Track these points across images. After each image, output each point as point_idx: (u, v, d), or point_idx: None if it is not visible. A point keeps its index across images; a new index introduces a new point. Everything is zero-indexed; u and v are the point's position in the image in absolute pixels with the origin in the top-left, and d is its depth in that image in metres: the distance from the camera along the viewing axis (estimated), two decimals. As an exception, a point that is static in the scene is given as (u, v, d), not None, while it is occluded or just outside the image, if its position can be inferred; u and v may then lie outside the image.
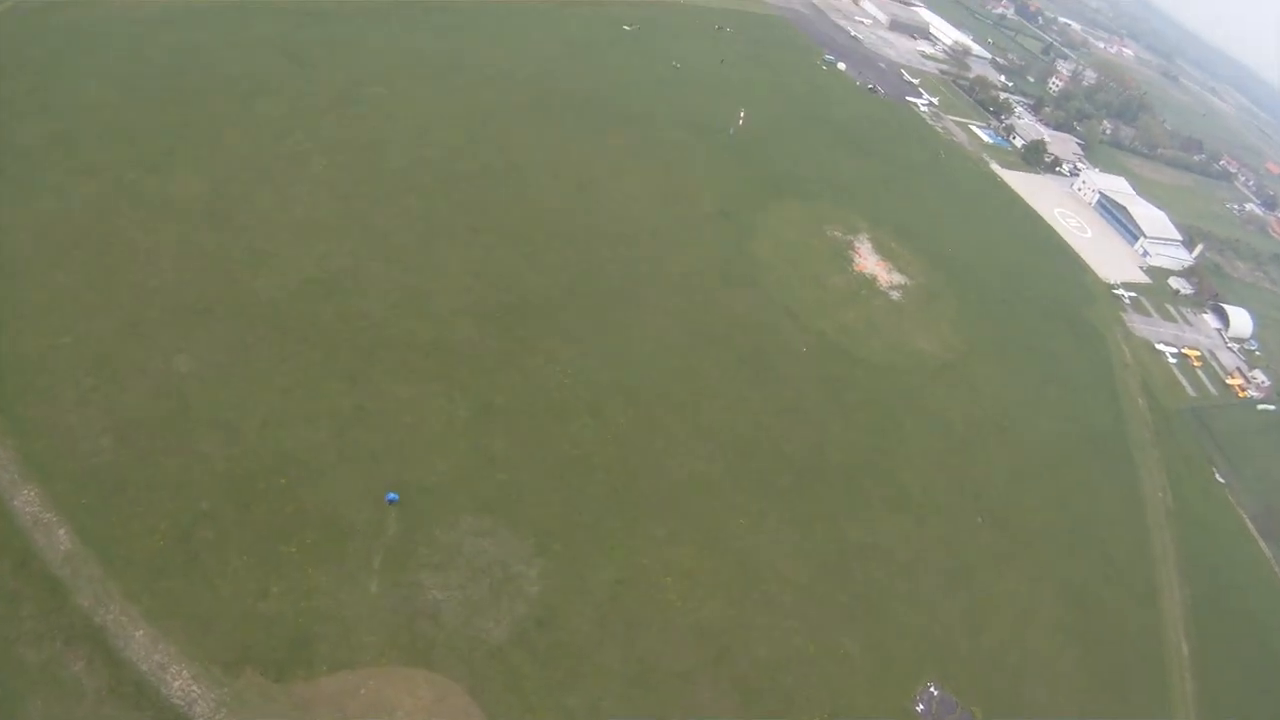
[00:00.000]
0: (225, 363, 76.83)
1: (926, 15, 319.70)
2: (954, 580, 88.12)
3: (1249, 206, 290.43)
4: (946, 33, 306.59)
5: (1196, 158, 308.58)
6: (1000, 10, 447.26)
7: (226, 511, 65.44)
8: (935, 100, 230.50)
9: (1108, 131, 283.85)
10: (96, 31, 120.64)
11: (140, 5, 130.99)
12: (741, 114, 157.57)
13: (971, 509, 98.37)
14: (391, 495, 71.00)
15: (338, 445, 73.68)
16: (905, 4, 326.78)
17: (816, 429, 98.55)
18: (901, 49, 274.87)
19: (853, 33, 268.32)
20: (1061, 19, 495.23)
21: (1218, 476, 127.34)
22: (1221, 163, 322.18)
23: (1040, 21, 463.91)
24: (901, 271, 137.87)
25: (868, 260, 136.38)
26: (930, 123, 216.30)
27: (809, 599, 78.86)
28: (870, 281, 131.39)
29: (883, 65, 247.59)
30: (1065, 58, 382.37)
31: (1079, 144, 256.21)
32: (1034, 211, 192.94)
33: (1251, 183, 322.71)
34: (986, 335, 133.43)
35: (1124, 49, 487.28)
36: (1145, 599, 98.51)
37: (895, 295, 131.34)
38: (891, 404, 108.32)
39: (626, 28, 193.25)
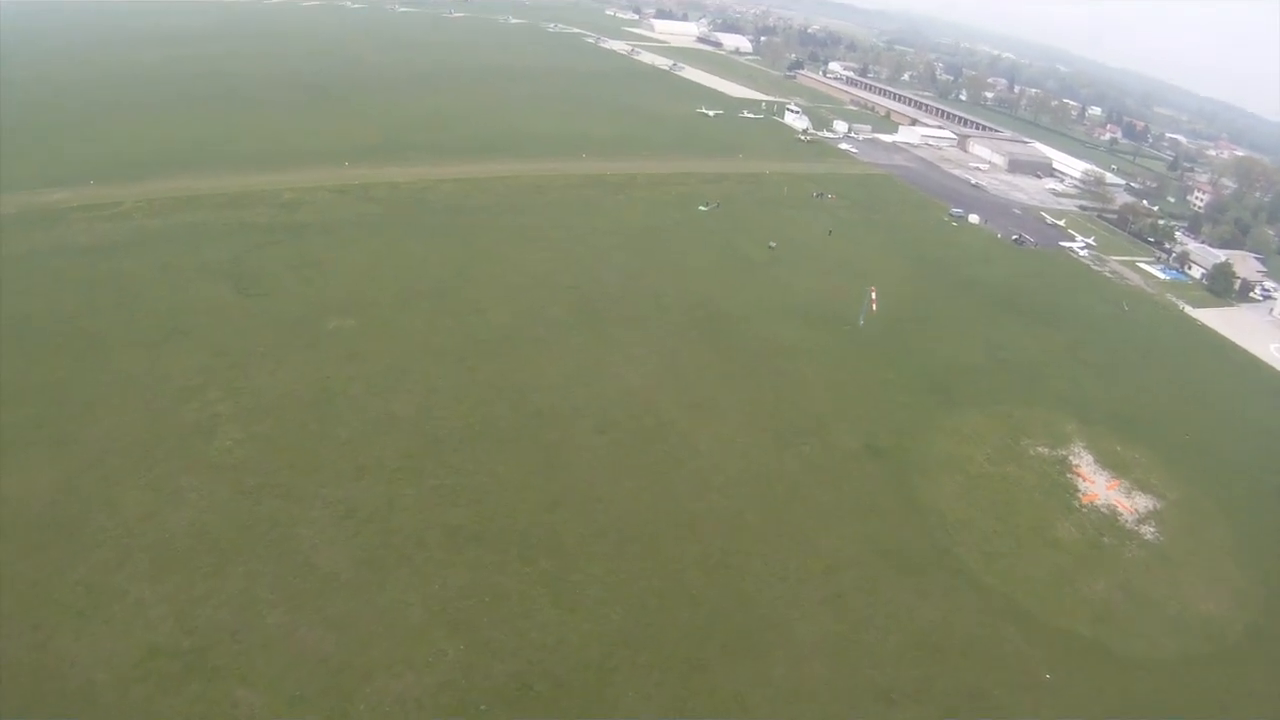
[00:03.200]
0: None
1: (1045, 150, 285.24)
2: None
3: None
4: (1072, 165, 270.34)
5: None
6: (1108, 136, 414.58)
7: None
8: (1091, 241, 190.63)
9: (1275, 239, 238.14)
10: (12, 260, 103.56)
11: (89, 230, 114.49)
12: (872, 294, 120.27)
13: None
14: None
15: None
16: (1018, 142, 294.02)
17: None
18: (1030, 190, 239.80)
19: (973, 181, 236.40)
20: (1169, 134, 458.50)
21: None
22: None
23: (1150, 140, 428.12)
24: (1143, 489, 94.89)
25: (1096, 483, 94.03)
26: (1095, 269, 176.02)
27: None
28: (1110, 518, 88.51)
29: (1017, 211, 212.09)
30: (1191, 170, 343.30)
31: (1258, 259, 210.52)
32: (1250, 355, 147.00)
33: None
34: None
35: (1234, 152, 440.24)
36: None
37: (1149, 533, 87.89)
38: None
39: (703, 208, 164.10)
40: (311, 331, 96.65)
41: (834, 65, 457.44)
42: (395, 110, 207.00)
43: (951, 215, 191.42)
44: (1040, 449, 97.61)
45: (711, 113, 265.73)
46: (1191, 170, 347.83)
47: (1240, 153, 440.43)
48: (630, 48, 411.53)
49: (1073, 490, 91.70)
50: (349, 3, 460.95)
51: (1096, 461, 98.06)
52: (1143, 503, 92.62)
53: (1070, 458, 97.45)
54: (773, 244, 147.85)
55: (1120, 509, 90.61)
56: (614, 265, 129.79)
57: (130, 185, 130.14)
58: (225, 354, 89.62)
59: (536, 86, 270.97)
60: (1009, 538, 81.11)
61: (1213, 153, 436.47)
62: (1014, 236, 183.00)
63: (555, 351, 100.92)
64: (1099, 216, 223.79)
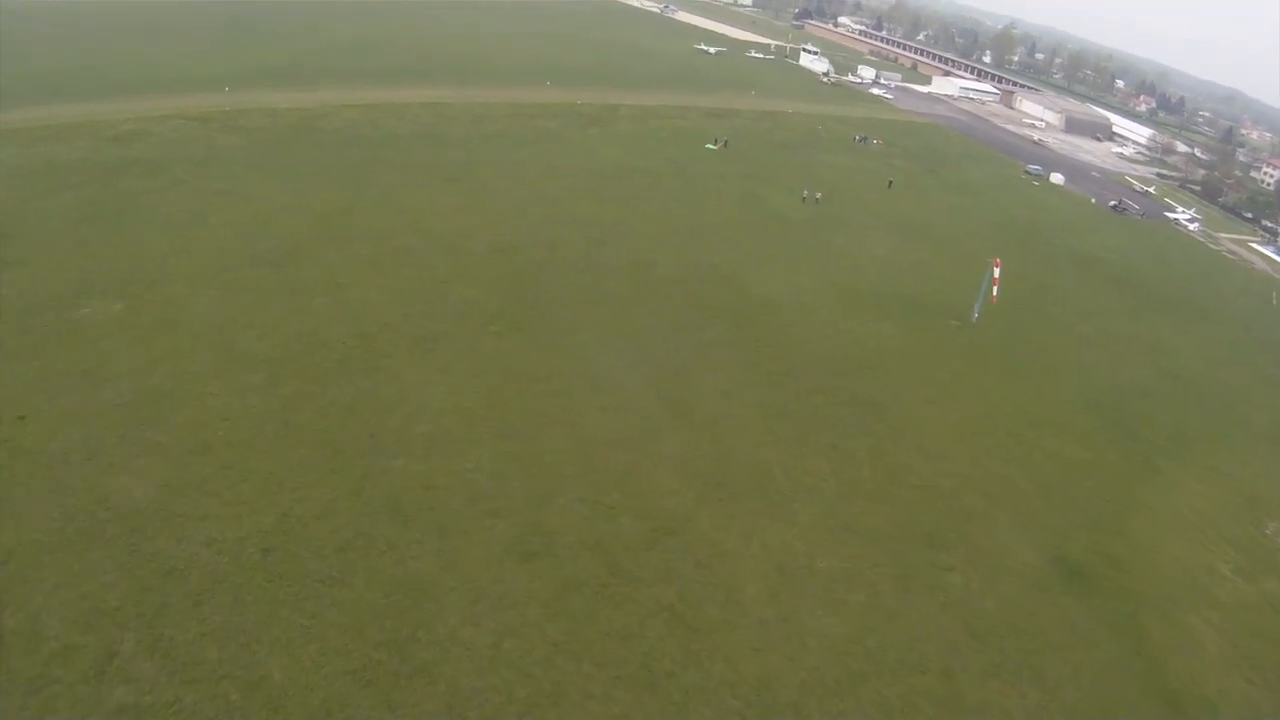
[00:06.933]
0: None
1: (1103, 112, 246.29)
2: None
3: None
4: (1134, 130, 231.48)
5: None
6: (1143, 107, 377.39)
7: None
8: (1195, 213, 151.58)
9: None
10: None
11: None
12: (995, 272, 76.50)
13: None
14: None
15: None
16: (1067, 100, 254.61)
17: None
18: (1097, 153, 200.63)
19: (1035, 138, 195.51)
20: (1201, 112, 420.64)
21: None
22: None
23: (1186, 112, 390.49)
24: None
25: (1399, 604, 54.85)
26: (1213, 248, 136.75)
27: None
28: None
29: (1095, 174, 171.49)
30: (1243, 145, 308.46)
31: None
32: None
33: None
34: None
35: (1263, 134, 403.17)
36: None
37: None
38: None
39: (711, 145, 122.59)
40: (48, 325, 52.34)
41: (844, 19, 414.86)
42: (318, 36, 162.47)
43: (1029, 173, 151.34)
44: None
45: (712, 49, 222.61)
46: (1243, 146, 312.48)
47: (1269, 134, 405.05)
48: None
49: (1376, 623, 52.54)
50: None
51: (1374, 558, 59.14)
52: None
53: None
54: (814, 194, 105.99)
55: None
56: (575, 219, 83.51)
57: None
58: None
59: (496, 19, 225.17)
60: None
61: (1244, 132, 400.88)
62: (1112, 202, 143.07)
63: (452, 366, 53.47)
64: (1181, 187, 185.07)
